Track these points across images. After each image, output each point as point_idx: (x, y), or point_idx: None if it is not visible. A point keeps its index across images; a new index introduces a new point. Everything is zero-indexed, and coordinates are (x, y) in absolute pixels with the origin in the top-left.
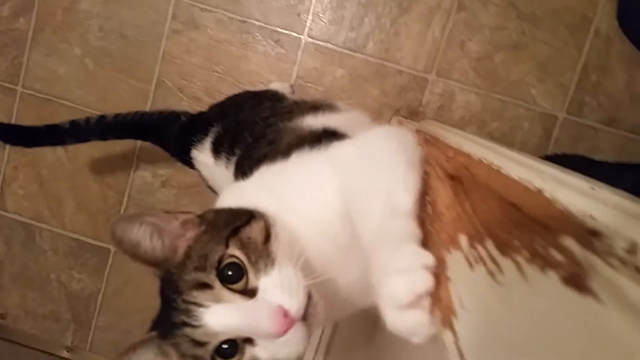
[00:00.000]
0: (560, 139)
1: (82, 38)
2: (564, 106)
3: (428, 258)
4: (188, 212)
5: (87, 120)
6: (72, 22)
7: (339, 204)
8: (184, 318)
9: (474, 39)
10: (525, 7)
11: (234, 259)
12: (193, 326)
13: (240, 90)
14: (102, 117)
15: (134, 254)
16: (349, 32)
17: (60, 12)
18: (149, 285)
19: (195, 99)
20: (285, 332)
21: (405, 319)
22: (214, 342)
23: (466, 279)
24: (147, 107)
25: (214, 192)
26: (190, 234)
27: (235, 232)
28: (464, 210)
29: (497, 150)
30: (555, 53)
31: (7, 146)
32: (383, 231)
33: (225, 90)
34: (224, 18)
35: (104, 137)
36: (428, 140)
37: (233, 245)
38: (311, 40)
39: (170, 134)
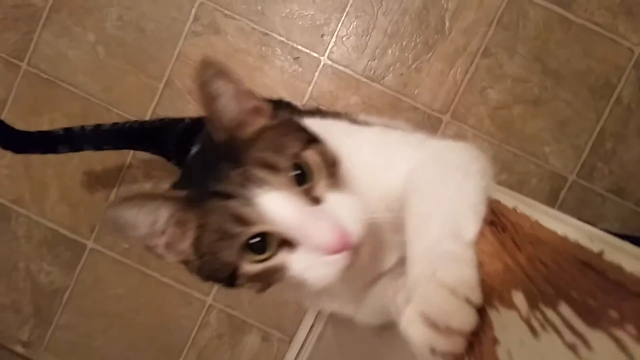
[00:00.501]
0: (567, 201)
1: (99, 24)
2: (575, 169)
3: (478, 297)
4: (264, 100)
5: (83, 128)
6: (91, 6)
7: (399, 187)
8: (234, 189)
9: (495, 87)
10: (551, 63)
11: (307, 162)
12: (244, 200)
13: None
14: (99, 125)
15: (211, 104)
16: (370, 61)
17: None
18: (120, 291)
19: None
20: (337, 251)
21: (425, 334)
22: (258, 227)
23: (527, 348)
24: (153, 105)
25: None
26: (262, 120)
27: (312, 141)
28: (517, 263)
29: (525, 201)
30: (574, 114)
31: None
32: (440, 248)
33: None
34: (246, 27)
35: (99, 146)
36: None
37: (311, 150)
38: (330, 62)
39: (170, 136)
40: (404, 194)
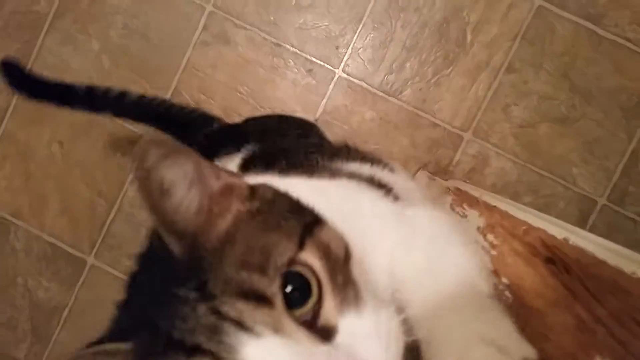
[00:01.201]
0: (596, 226)
1: (103, 32)
2: (606, 192)
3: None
4: (233, 173)
5: (107, 91)
6: (96, 13)
7: (389, 260)
8: (206, 341)
9: (519, 104)
10: (579, 81)
11: (305, 270)
12: (219, 358)
13: (279, 113)
14: (124, 93)
15: (158, 204)
16: (387, 75)
17: (86, 0)
18: None
19: None
20: None
21: None
22: None
23: None
24: None
25: None
26: (235, 206)
27: (309, 231)
28: (598, 321)
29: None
30: (604, 134)
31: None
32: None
33: (245, 113)
34: (258, 38)
35: (119, 113)
36: (489, 207)
37: (310, 249)
38: (345, 76)
39: (194, 138)
40: (398, 268)
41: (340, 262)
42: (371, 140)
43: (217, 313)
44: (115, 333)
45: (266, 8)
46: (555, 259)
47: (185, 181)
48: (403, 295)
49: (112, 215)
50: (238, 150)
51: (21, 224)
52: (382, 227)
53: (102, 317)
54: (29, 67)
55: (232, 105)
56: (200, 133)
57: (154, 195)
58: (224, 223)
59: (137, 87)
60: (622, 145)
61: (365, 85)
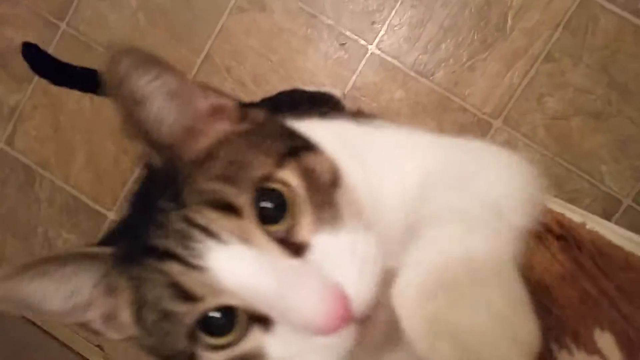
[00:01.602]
0: (619, 225)
1: None
2: (632, 192)
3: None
4: (226, 95)
5: None
6: None
7: (414, 189)
8: (175, 246)
9: (554, 95)
10: (619, 77)
11: (282, 187)
12: (188, 264)
13: (292, 87)
14: None
15: (131, 114)
16: (421, 55)
17: None
18: None
19: (240, 83)
20: (335, 328)
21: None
22: (211, 302)
23: None
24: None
25: None
26: (222, 126)
27: (294, 153)
28: (604, 294)
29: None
30: (638, 133)
31: (33, 82)
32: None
33: (274, 82)
34: (294, 7)
35: None
36: None
37: (290, 168)
38: (378, 52)
39: None
40: (419, 195)
41: (324, 186)
42: (398, 120)
43: (187, 220)
44: (103, 241)
45: None
46: (568, 236)
47: (162, 93)
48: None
49: (135, 172)
50: None
51: (47, 174)
52: (403, 155)
53: None
54: (67, 19)
55: (262, 74)
56: None
57: (127, 104)
58: (206, 140)
59: (170, 48)
60: None
61: (397, 63)
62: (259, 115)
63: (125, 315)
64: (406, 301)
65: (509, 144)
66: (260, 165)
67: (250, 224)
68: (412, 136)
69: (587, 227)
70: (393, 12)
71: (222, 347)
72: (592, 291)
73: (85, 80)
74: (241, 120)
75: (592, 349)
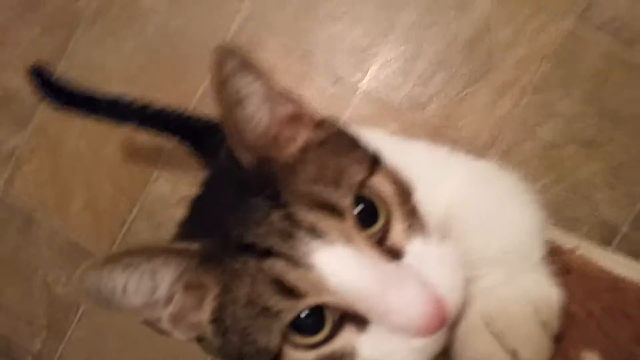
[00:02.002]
0: (618, 253)
1: (139, 32)
2: (629, 219)
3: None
4: (303, 102)
5: (131, 102)
6: (131, 15)
7: (446, 206)
8: (278, 244)
9: (545, 125)
10: (609, 104)
11: (372, 195)
12: (293, 262)
13: None
14: (148, 105)
15: (232, 112)
16: (413, 89)
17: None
18: None
19: None
20: (432, 330)
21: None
22: (314, 299)
23: None
24: None
25: None
26: (304, 133)
27: (378, 162)
28: (590, 314)
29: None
30: (631, 160)
31: (30, 126)
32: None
33: None
34: (288, 44)
35: (142, 124)
36: None
37: (381, 175)
38: (371, 87)
39: (211, 143)
40: (454, 214)
41: (408, 195)
42: None
43: (291, 220)
44: (184, 236)
45: (297, 15)
46: (558, 261)
47: (258, 95)
48: (455, 237)
49: (133, 213)
50: None
51: (45, 218)
52: (444, 169)
53: (118, 317)
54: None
55: None
56: (218, 136)
57: (228, 103)
58: (294, 145)
59: (167, 89)
60: None
61: (390, 97)
62: (333, 125)
63: (202, 314)
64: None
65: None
66: (356, 172)
67: (351, 226)
68: (441, 154)
69: (578, 252)
70: (383, 48)
71: (312, 346)
72: (581, 314)
73: (87, 103)
74: (318, 128)
75: None
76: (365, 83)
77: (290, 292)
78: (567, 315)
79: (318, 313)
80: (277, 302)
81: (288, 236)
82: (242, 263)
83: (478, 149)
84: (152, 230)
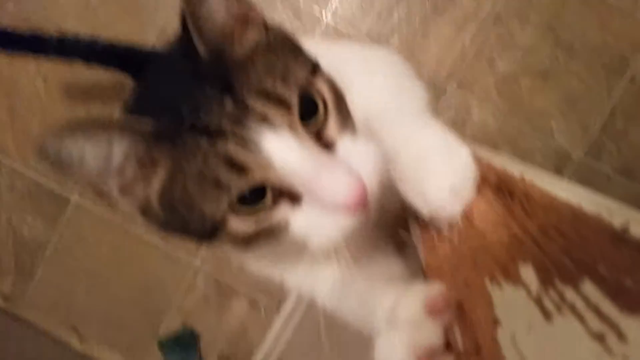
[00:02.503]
0: (571, 180)
1: None
2: (582, 147)
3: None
4: (252, 5)
5: (77, 39)
6: None
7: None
8: (227, 126)
9: (504, 57)
10: (564, 35)
11: (314, 93)
12: (241, 141)
13: None
14: (95, 40)
15: (194, 7)
16: (375, 23)
17: None
18: (103, 250)
19: None
20: (353, 210)
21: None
22: (259, 177)
23: (536, 333)
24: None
25: None
26: (255, 34)
27: (317, 66)
28: (527, 232)
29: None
30: (585, 90)
31: None
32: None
33: None
34: None
35: (89, 60)
36: None
37: (321, 77)
38: (333, 22)
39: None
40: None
41: (340, 96)
42: None
43: (243, 107)
44: (135, 110)
45: None
46: (503, 186)
47: None
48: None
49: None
50: None
51: (5, 161)
52: (368, 71)
53: (85, 254)
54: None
55: None
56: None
57: (191, 3)
58: (246, 43)
59: (125, 25)
60: (601, 101)
61: (352, 32)
62: (276, 30)
63: (151, 187)
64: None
65: (464, 106)
66: (300, 72)
67: (295, 119)
68: (369, 52)
69: (525, 178)
70: None
71: (253, 217)
72: (519, 232)
73: (34, 44)
74: (268, 32)
75: (517, 280)
76: (326, 18)
77: (239, 169)
78: (509, 236)
79: (261, 189)
80: (227, 176)
81: (240, 121)
82: (196, 142)
83: (440, 81)
84: None
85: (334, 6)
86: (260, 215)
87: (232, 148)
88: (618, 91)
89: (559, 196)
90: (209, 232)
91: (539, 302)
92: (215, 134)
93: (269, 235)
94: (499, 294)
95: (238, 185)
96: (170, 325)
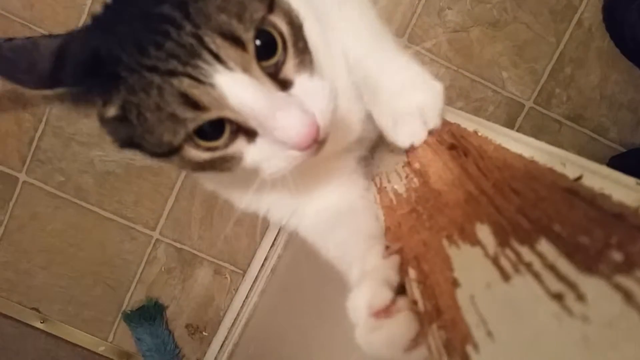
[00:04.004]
0: (523, 128)
1: None
2: (533, 95)
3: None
4: None
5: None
6: None
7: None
8: (183, 62)
9: (453, 8)
10: None
11: (273, 30)
12: (199, 80)
13: None
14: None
15: None
16: None
17: None
18: (58, 226)
19: None
20: (305, 147)
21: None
22: (214, 113)
23: (495, 294)
24: (80, 23)
25: None
26: None
27: (273, 2)
28: (482, 192)
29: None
30: (533, 37)
31: None
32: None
33: None
34: None
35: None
36: None
37: (278, 14)
38: None
39: (42, 53)
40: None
41: (299, 33)
42: None
43: (199, 41)
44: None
45: None
46: (458, 145)
47: None
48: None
49: (39, 130)
50: None
51: None
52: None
53: (39, 233)
54: None
55: None
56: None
57: None
58: None
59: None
60: (550, 49)
61: None
62: None
63: (110, 113)
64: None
65: (416, 60)
66: (257, 9)
67: (251, 58)
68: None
69: (479, 134)
70: None
71: (209, 149)
72: (474, 192)
73: None
74: None
75: (474, 240)
76: None
77: (195, 105)
78: (465, 195)
79: (219, 123)
80: (183, 112)
81: (195, 55)
82: (150, 78)
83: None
84: (62, 146)
85: None
86: (216, 147)
87: (187, 84)
88: (565, 37)
89: (513, 150)
90: (163, 154)
91: (496, 263)
92: (170, 71)
93: (222, 164)
94: (457, 254)
95: (194, 121)
96: (134, 298)
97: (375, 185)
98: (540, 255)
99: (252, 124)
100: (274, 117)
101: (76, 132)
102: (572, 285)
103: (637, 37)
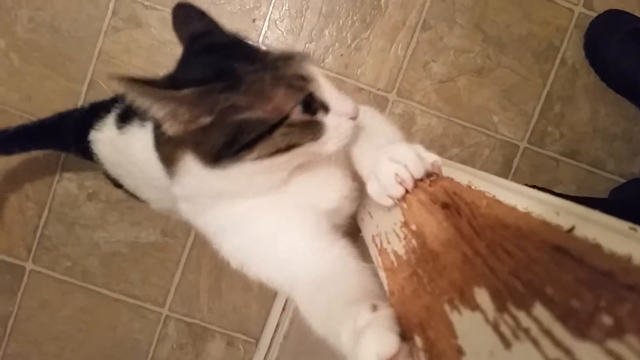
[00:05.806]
0: (520, 169)
1: (8, 29)
2: (526, 135)
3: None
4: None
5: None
6: None
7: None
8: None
9: (438, 60)
10: (491, 31)
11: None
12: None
13: None
14: (3, 131)
15: None
16: (308, 44)
17: None
18: (67, 312)
19: None
20: (354, 117)
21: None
22: (313, 85)
23: None
24: None
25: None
26: None
27: None
28: (477, 253)
29: (479, 175)
30: (519, 80)
31: None
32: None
33: None
34: (170, 17)
35: (4, 150)
36: None
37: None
38: (265, 48)
39: (67, 126)
40: None
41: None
42: None
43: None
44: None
45: None
46: (451, 203)
47: None
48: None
49: (43, 217)
50: (109, 112)
51: None
52: None
53: (49, 321)
54: None
55: None
56: (72, 119)
57: None
58: None
59: (52, 83)
60: (537, 89)
61: None
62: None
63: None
64: None
65: (407, 113)
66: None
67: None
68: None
69: (473, 187)
70: (271, 7)
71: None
72: (469, 253)
73: None
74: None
75: (474, 305)
76: (258, 45)
77: (306, 78)
78: (461, 255)
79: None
80: (299, 82)
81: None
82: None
83: (380, 92)
84: (66, 231)
85: (263, 31)
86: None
87: (298, 67)
88: (550, 77)
89: (507, 202)
90: (264, 133)
91: (496, 329)
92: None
93: (312, 130)
94: (459, 321)
95: (307, 88)
96: None
97: (376, 246)
98: (536, 320)
99: (329, 101)
100: (342, 97)
101: (79, 216)
102: (568, 352)
103: (622, 70)
